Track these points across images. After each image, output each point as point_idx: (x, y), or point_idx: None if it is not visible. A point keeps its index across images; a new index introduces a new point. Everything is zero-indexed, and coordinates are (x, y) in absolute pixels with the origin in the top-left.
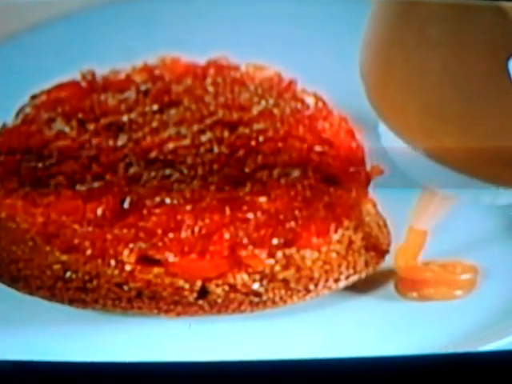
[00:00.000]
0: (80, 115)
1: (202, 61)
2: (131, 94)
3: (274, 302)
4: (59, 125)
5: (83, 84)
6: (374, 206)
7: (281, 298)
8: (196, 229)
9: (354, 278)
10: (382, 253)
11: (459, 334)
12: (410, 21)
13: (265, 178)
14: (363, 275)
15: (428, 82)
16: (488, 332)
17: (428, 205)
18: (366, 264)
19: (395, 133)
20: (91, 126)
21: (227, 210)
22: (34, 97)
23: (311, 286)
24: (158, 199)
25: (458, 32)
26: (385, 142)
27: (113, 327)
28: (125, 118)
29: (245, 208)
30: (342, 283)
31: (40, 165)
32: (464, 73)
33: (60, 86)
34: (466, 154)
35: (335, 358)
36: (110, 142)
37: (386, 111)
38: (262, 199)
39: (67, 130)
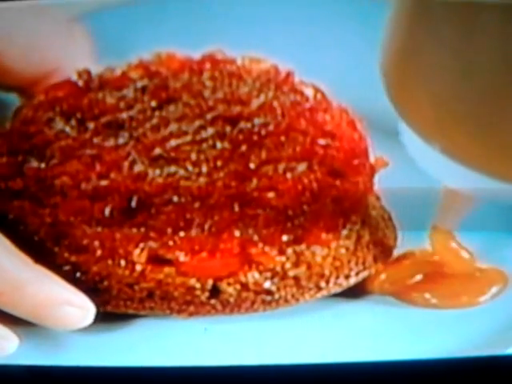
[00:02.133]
0: (79, 114)
1: (197, 55)
2: (129, 92)
3: (286, 301)
4: (59, 124)
5: (80, 83)
6: (378, 199)
7: (293, 296)
8: (206, 226)
9: (363, 274)
10: (389, 248)
11: (474, 339)
12: (427, 19)
13: (271, 173)
14: (373, 271)
15: (444, 80)
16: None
17: (451, 203)
18: (375, 259)
19: (413, 130)
20: (91, 125)
21: (236, 207)
22: (30, 97)
23: (322, 284)
24: (165, 197)
25: (472, 30)
26: (404, 140)
27: (126, 330)
28: (124, 116)
29: (253, 204)
30: (353, 280)
31: (43, 165)
32: (480, 70)
33: (56, 86)
34: (482, 152)
35: (342, 362)
36: (112, 141)
37: (403, 108)
38: (270, 195)
39: (67, 129)
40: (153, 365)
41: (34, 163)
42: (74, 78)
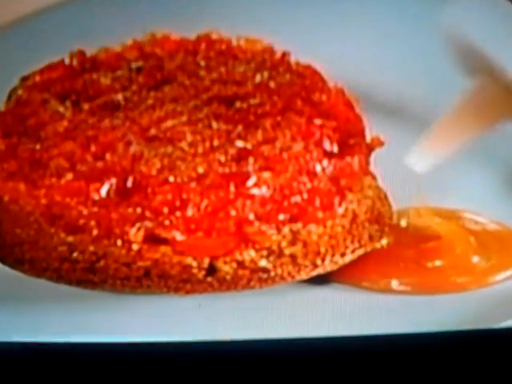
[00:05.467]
0: (74, 95)
1: (192, 36)
2: (124, 72)
3: (282, 278)
4: (54, 106)
5: (74, 63)
6: (374, 178)
7: (289, 274)
8: (202, 206)
9: (359, 252)
10: (384, 226)
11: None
12: None
13: (267, 153)
14: (368, 249)
15: None
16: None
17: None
18: (371, 238)
19: None
20: (86, 106)
21: (232, 187)
22: (24, 79)
23: (318, 261)
24: (161, 177)
25: None
26: None
27: (119, 306)
28: (119, 97)
29: (249, 183)
30: (348, 257)
31: (38, 146)
32: None
33: (50, 67)
34: None
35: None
36: (107, 122)
37: None
38: (266, 174)
39: (62, 110)
40: (147, 340)
41: (29, 144)
42: (68, 59)
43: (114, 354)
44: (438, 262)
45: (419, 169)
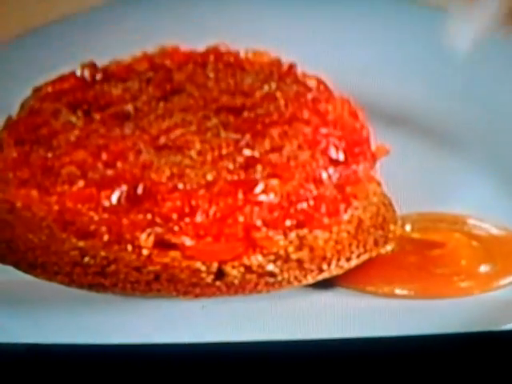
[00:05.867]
0: (85, 106)
1: (200, 49)
2: (134, 83)
3: (289, 282)
4: (65, 115)
5: (85, 75)
6: (379, 185)
7: (295, 278)
8: (211, 212)
9: (364, 257)
10: (389, 231)
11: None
12: None
13: (274, 161)
14: (373, 254)
15: None
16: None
17: None
18: (376, 243)
19: None
20: (97, 116)
21: (240, 193)
22: (37, 89)
23: (324, 266)
24: (170, 185)
25: None
26: None
27: (126, 309)
28: (130, 107)
29: (257, 191)
30: (354, 262)
31: (50, 154)
32: None
33: (62, 78)
34: None
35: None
36: (118, 131)
37: None
38: (274, 182)
39: (74, 120)
40: (152, 342)
41: (41, 153)
42: (79, 71)
43: (118, 356)
44: (442, 269)
45: (458, 45)
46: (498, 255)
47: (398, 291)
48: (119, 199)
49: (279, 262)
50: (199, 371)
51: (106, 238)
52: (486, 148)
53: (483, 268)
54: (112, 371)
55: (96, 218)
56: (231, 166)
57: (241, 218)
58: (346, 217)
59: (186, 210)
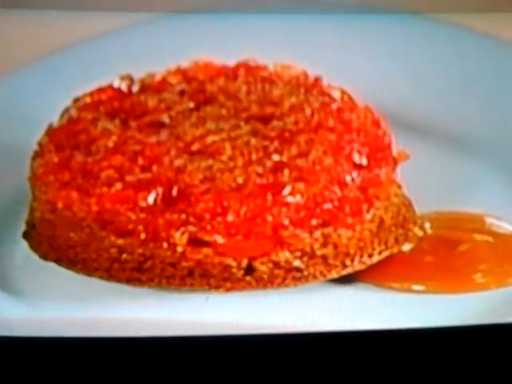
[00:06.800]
0: (122, 115)
1: (231, 63)
2: (168, 95)
3: (314, 277)
4: (103, 123)
5: (123, 86)
6: (400, 187)
7: (321, 273)
8: (241, 213)
9: (385, 254)
10: (409, 230)
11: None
12: None
13: (301, 165)
14: (394, 251)
15: None
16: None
17: None
18: (397, 241)
19: None
20: (133, 124)
21: (269, 195)
22: (76, 100)
23: (347, 262)
24: (203, 187)
25: None
26: None
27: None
28: (165, 116)
29: (285, 193)
30: (375, 258)
31: (89, 159)
32: None
33: (101, 89)
34: None
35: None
36: (153, 138)
37: None
38: (300, 184)
39: (111, 127)
40: (156, 335)
41: (81, 158)
42: (117, 82)
43: (120, 348)
44: (460, 267)
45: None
46: None
47: (415, 287)
48: (155, 200)
49: (305, 258)
50: (218, 364)
51: (142, 236)
52: (501, 150)
53: (501, 265)
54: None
55: (133, 217)
56: (260, 170)
57: (269, 218)
58: (368, 216)
59: (218, 210)
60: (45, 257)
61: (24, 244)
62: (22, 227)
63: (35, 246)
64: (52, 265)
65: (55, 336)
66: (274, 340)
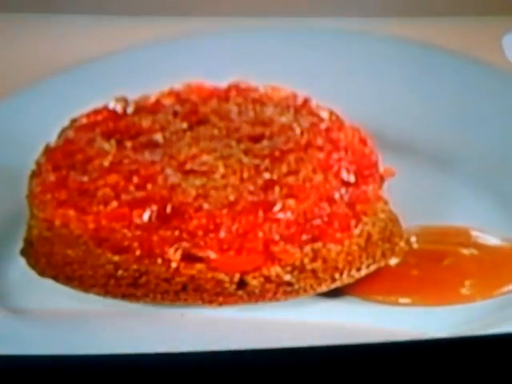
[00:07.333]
0: (117, 135)
1: (223, 85)
2: (162, 116)
3: (304, 291)
4: (99, 143)
5: (118, 108)
6: (386, 203)
7: (311, 287)
8: (233, 229)
9: (373, 267)
10: (395, 244)
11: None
12: None
13: (291, 183)
14: (382, 264)
15: None
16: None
17: None
18: (384, 255)
19: None
20: (129, 144)
21: (260, 212)
22: (73, 120)
23: (337, 275)
24: (196, 204)
25: None
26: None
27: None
28: (159, 136)
29: (276, 209)
30: (363, 271)
31: (85, 178)
32: None
33: (97, 111)
34: None
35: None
36: (148, 157)
37: None
38: (291, 201)
39: (107, 147)
40: (131, 352)
41: (77, 177)
42: (112, 104)
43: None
44: (446, 280)
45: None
46: (500, 265)
47: (401, 300)
48: (150, 218)
49: (296, 273)
50: (208, 380)
51: (137, 252)
52: (483, 166)
53: (486, 277)
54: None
55: (129, 234)
56: (252, 188)
57: (260, 234)
58: (356, 231)
59: (211, 226)
60: (42, 273)
61: (22, 261)
62: (20, 244)
63: (33, 263)
64: (49, 281)
65: (52, 354)
66: (265, 354)
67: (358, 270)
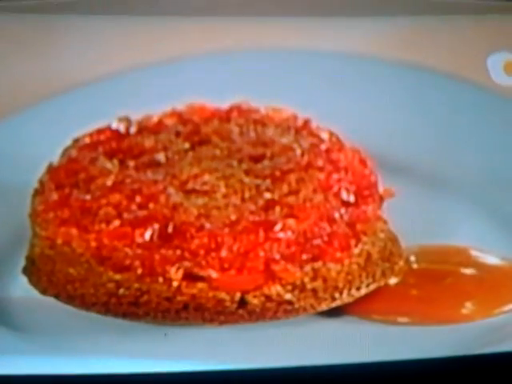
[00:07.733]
0: (120, 155)
1: (225, 106)
2: (164, 136)
3: (305, 310)
4: (102, 162)
5: (121, 128)
6: (386, 223)
7: (311, 306)
8: (234, 248)
9: (373, 286)
10: (395, 264)
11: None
12: None
13: (292, 203)
14: (381, 283)
15: None
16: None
17: None
18: (383, 274)
19: None
20: (131, 163)
21: (261, 232)
22: (76, 140)
23: (337, 295)
24: (198, 224)
25: None
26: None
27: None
28: (161, 156)
29: (276, 229)
30: (363, 291)
31: (88, 197)
32: None
33: (100, 130)
34: None
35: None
36: (150, 177)
37: None
38: (291, 221)
39: (110, 166)
40: (114, 372)
41: (80, 195)
42: (115, 124)
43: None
44: (445, 300)
45: None
46: (500, 284)
47: (401, 319)
48: (151, 237)
49: (296, 292)
50: None
51: (139, 271)
52: (481, 186)
53: (486, 296)
54: None
55: (130, 253)
56: (253, 208)
57: (261, 253)
58: (356, 251)
59: (212, 246)
60: (44, 292)
61: (24, 279)
62: (22, 263)
63: (35, 281)
64: (51, 300)
65: (54, 373)
66: (264, 373)
67: (358, 289)
